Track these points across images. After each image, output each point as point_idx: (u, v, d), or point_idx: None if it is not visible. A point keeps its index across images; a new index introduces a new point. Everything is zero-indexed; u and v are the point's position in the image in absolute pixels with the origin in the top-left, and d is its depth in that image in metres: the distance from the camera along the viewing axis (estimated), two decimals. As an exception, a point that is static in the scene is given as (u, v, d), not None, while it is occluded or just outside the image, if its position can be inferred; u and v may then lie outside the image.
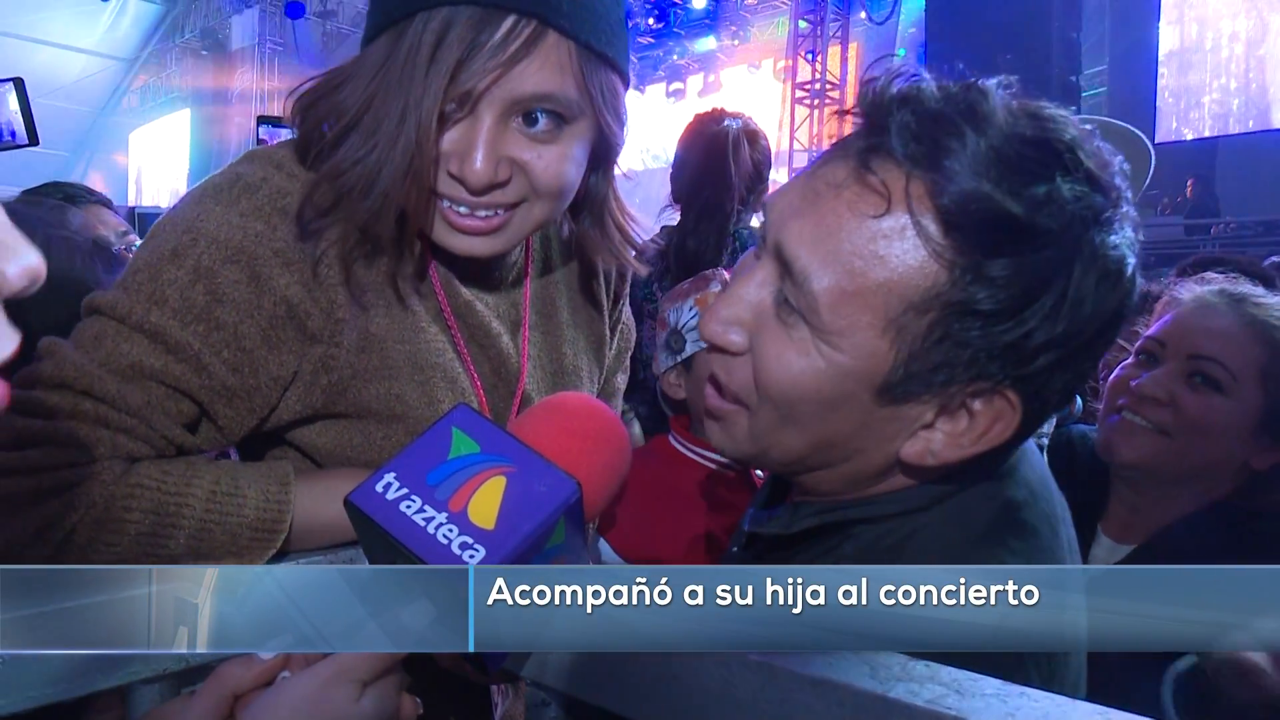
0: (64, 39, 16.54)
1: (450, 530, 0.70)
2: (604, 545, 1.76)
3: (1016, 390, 0.73)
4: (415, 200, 0.90)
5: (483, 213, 0.94)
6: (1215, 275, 1.44)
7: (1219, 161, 11.18)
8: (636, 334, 1.43)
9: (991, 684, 0.60)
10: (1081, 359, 0.74)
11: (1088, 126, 0.74)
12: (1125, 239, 0.73)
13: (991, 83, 0.73)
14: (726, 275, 1.69)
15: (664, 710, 0.71)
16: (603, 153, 1.02)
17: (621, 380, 1.40)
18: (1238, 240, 8.65)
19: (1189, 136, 11.43)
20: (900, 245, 0.71)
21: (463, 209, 0.93)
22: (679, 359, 1.70)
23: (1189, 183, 10.77)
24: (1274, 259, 3.58)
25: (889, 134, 0.71)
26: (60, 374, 0.82)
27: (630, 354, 1.42)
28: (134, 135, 19.24)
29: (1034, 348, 0.71)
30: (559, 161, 0.93)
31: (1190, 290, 1.41)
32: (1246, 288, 1.38)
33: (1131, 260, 0.73)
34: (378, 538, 0.71)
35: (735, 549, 1.01)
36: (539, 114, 0.90)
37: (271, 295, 0.90)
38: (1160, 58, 11.47)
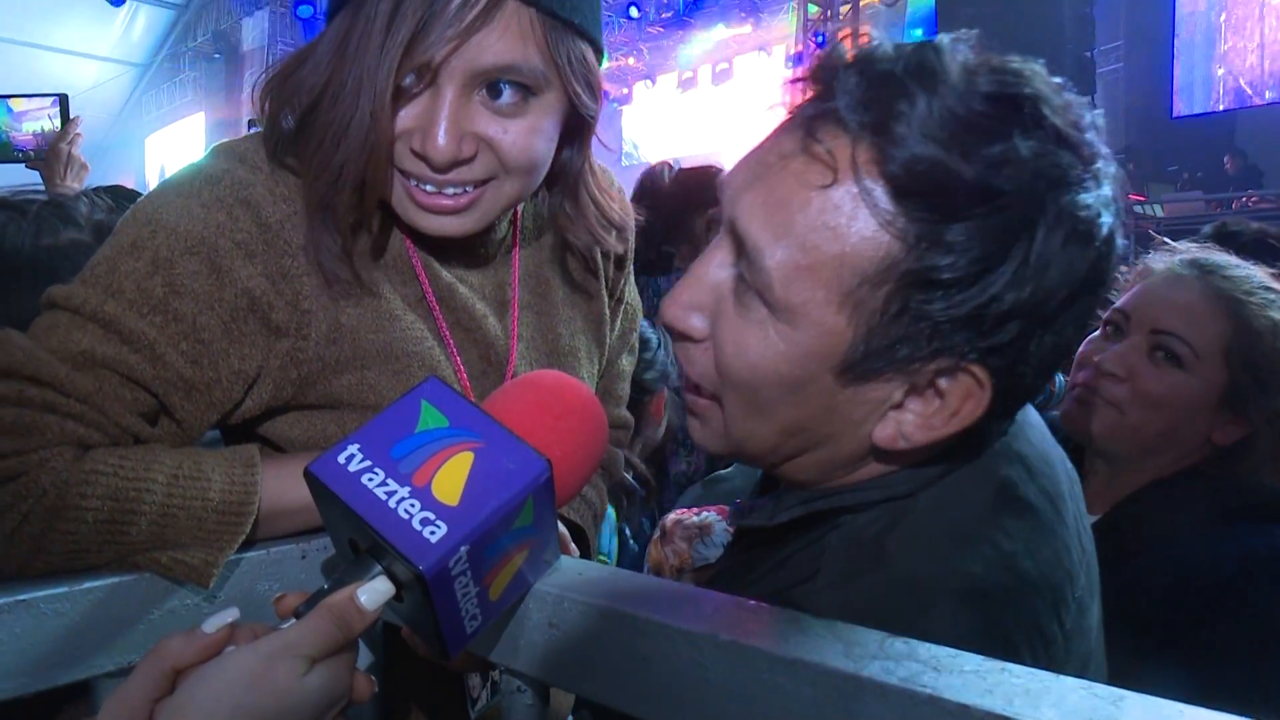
0: (78, 47, 16.59)
1: (412, 505, 0.67)
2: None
3: (985, 365, 0.69)
4: (373, 175, 0.88)
5: (450, 190, 0.91)
6: (1189, 244, 1.39)
7: (1238, 135, 11.00)
8: None
9: (971, 660, 0.57)
10: (1057, 327, 0.69)
11: (1057, 80, 0.70)
12: (1100, 197, 0.68)
13: (948, 38, 0.69)
14: None
15: (636, 694, 0.69)
16: (575, 125, 0.99)
17: (628, 363, 1.35)
18: (1259, 214, 8.52)
19: (1206, 110, 11.24)
20: (850, 216, 0.67)
21: (429, 187, 0.91)
22: None
23: (1226, 158, 10.58)
24: None
25: (836, 100, 0.68)
26: (7, 361, 0.79)
27: (636, 334, 1.37)
28: (150, 140, 19.31)
29: (999, 316, 0.66)
30: (526, 135, 0.91)
31: (1162, 260, 1.36)
32: (1220, 257, 1.32)
33: (1107, 220, 0.69)
34: (337, 510, 0.69)
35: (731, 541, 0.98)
36: (503, 86, 0.88)
37: (233, 287, 0.88)
38: (1176, 31, 11.30)
